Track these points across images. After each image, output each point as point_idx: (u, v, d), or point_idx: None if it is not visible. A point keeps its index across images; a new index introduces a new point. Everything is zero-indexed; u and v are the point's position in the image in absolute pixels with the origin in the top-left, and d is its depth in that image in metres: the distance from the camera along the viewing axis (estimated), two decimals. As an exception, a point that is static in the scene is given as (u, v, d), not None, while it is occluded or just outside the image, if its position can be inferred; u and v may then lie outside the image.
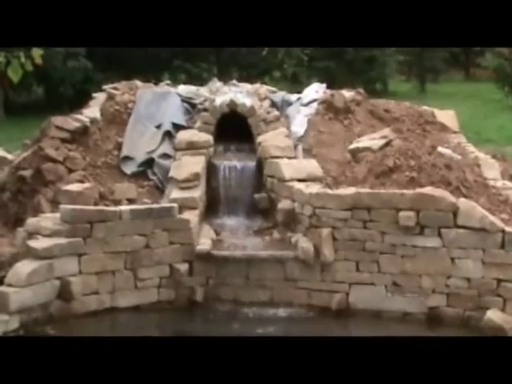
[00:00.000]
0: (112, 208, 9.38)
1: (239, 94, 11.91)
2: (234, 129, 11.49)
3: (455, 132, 11.91)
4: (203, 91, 12.56)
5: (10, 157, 11.98)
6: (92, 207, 9.35)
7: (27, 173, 10.37)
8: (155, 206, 9.66)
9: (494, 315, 8.57)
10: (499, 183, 9.85)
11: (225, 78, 16.78)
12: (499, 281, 8.69)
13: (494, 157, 10.84)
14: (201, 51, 30.03)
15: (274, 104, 12.33)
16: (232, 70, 31.18)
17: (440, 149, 10.22)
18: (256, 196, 10.64)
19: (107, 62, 27.11)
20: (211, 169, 10.84)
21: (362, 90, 12.61)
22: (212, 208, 10.79)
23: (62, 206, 9.21)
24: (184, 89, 12.63)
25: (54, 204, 9.70)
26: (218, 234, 10.15)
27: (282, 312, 9.38)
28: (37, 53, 6.05)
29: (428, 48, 34.31)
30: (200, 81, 20.55)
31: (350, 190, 9.24)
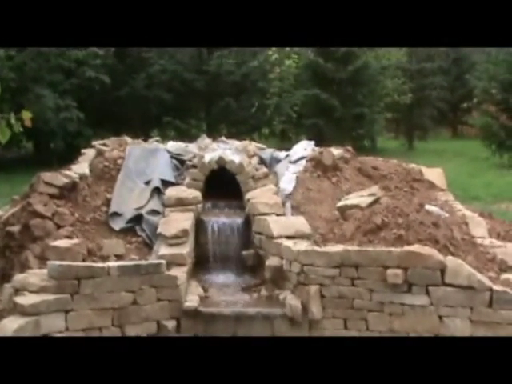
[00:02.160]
0: (100, 264, 9.35)
1: (228, 150, 12.01)
2: (222, 185, 11.55)
3: (443, 190, 12.00)
4: (192, 148, 12.66)
5: (-1, 212, 11.98)
6: (80, 263, 9.33)
7: (15, 228, 10.36)
8: (143, 262, 9.63)
9: (482, 374, 8.56)
10: (486, 241, 9.89)
11: (214, 134, 16.97)
12: (487, 339, 8.69)
13: (481, 215, 10.92)
14: (190, 107, 30.32)
15: (262, 161, 12.43)
16: (221, 127, 31.44)
17: (427, 207, 10.28)
18: (244, 253, 10.67)
19: (97, 116, 27.31)
20: (200, 225, 10.87)
21: (350, 148, 12.74)
22: (200, 264, 10.79)
23: (50, 262, 9.18)
24: (173, 145, 12.72)
25: (42, 260, 9.66)
26: (205, 290, 10.12)
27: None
28: (26, 114, 6.11)
29: (416, 106, 34.78)
30: (189, 137, 20.71)
31: (338, 248, 9.27)
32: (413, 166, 12.70)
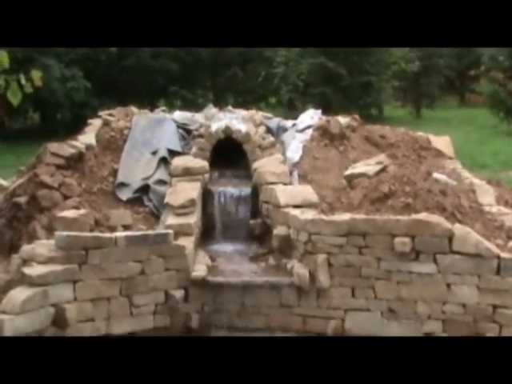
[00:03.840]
0: (107, 234, 9.35)
1: (234, 120, 11.93)
2: (229, 155, 11.52)
3: (450, 158, 11.95)
4: (199, 117, 12.61)
5: (5, 183, 11.97)
6: (87, 234, 9.33)
7: (22, 199, 10.36)
8: (151, 232, 9.63)
9: (489, 341, 8.57)
10: (494, 209, 9.86)
11: (221, 103, 16.90)
12: (495, 307, 8.66)
13: (489, 182, 10.87)
14: (197, 77, 30.19)
15: (269, 130, 12.38)
16: (228, 96, 31.33)
17: (435, 175, 10.24)
18: (251, 222, 10.66)
19: (103, 87, 27.21)
20: (207, 195, 10.86)
21: (357, 116, 12.67)
22: (207, 234, 10.80)
23: (57, 233, 9.18)
24: (179, 115, 12.67)
25: (50, 231, 9.66)
26: (213, 260, 10.13)
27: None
28: (36, 75, 6.07)
29: (423, 74, 34.57)
30: (196, 107, 20.61)
31: (346, 216, 9.25)
32: (420, 134, 12.64)
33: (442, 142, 12.25)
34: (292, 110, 29.00)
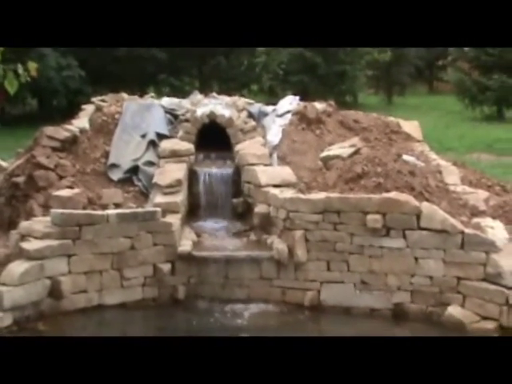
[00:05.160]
0: (99, 212, 9.32)
1: (219, 105, 11.87)
2: (213, 138, 11.46)
3: (419, 141, 11.92)
4: (185, 103, 12.51)
5: (4, 164, 11.89)
6: (81, 211, 9.29)
7: (20, 179, 10.31)
8: (140, 210, 9.61)
9: (454, 311, 8.59)
10: (459, 188, 9.90)
11: (206, 90, 16.77)
12: (459, 279, 8.69)
13: (454, 164, 10.90)
14: (184, 65, 30.05)
15: (251, 115, 12.31)
16: (213, 83, 31.19)
17: (404, 156, 10.26)
18: (234, 201, 10.64)
19: (97, 75, 27.03)
20: (192, 175, 10.81)
21: (332, 102, 12.62)
22: (193, 212, 10.77)
23: (53, 210, 9.15)
24: (167, 101, 12.58)
25: (46, 208, 9.61)
26: (198, 236, 10.10)
27: (258, 308, 9.35)
28: (32, 66, 6.00)
29: (395, 64, 34.57)
30: (183, 93, 20.47)
31: (321, 195, 9.25)
32: (391, 119, 12.62)
33: (411, 127, 12.23)
34: (273, 96, 28.82)
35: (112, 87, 20.33)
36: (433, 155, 11.19)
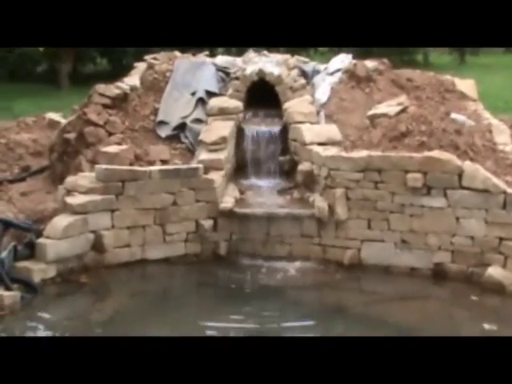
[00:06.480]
0: (142, 168, 9.46)
1: (269, 63, 11.80)
2: (263, 96, 11.42)
3: (474, 100, 11.64)
4: (239, 61, 12.49)
5: (63, 121, 12.17)
6: (124, 167, 9.43)
7: (71, 135, 10.54)
8: (182, 166, 9.70)
9: (494, 272, 8.48)
10: (508, 148, 9.64)
11: (272, 50, 16.58)
12: (501, 239, 8.56)
13: (512, 124, 10.60)
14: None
15: (304, 73, 12.18)
16: (280, 43, 30.97)
17: (453, 115, 10.04)
18: (280, 158, 10.62)
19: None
20: (240, 133, 10.83)
21: (386, 61, 12.34)
22: (240, 169, 10.81)
23: (97, 166, 9.34)
24: (221, 59, 12.59)
25: (94, 164, 9.77)
26: (242, 193, 10.15)
27: (298, 265, 9.40)
28: None
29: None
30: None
31: (363, 153, 9.17)
32: (446, 77, 12.30)
33: (466, 85, 11.90)
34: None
35: (181, 47, 20.40)
36: (486, 114, 10.89)
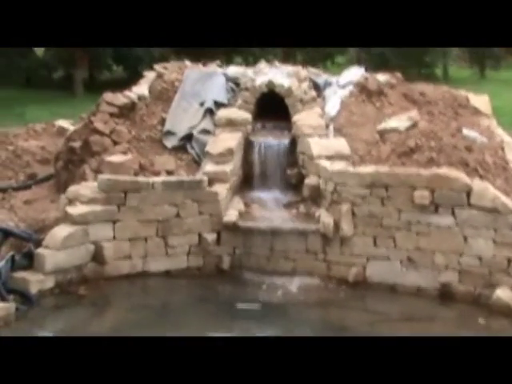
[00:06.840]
0: (145, 179, 9.33)
1: (279, 75, 11.64)
2: (273, 108, 11.27)
3: (487, 116, 11.43)
4: (250, 72, 12.35)
5: (71, 128, 12.08)
6: (127, 177, 9.30)
7: (77, 144, 10.44)
8: (186, 178, 9.56)
9: (503, 294, 8.27)
10: (520, 166, 9.43)
11: (289, 60, 16.43)
12: (509, 260, 8.38)
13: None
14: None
15: (316, 86, 12.04)
16: (296, 54, 30.87)
17: (465, 131, 9.84)
18: (288, 171, 10.45)
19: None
20: (248, 145, 10.67)
21: (398, 74, 12.18)
22: (247, 182, 10.65)
23: (100, 176, 9.22)
24: (232, 69, 12.47)
25: (98, 173, 9.67)
26: (247, 206, 9.98)
27: (302, 281, 9.20)
28: None
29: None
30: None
31: (370, 169, 9.00)
32: (460, 92, 12.10)
33: (480, 101, 11.71)
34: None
35: (194, 55, 20.30)
36: (499, 131, 10.69)
